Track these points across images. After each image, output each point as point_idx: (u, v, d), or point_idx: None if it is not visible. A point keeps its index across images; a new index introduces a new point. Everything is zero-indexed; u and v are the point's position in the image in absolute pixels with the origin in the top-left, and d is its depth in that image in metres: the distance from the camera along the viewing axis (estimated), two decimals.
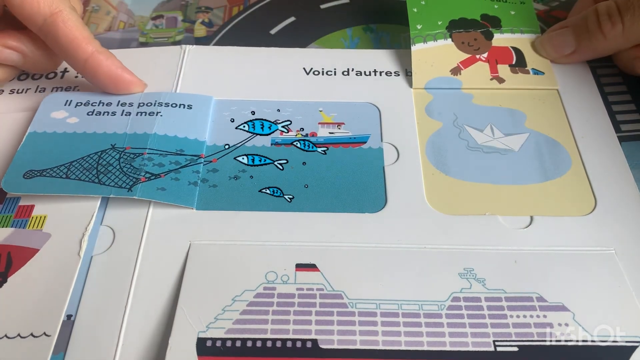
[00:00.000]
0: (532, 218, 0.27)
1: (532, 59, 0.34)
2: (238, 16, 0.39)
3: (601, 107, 0.32)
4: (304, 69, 0.34)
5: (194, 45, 0.35)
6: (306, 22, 0.39)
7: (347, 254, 0.26)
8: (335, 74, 0.34)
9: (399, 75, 0.34)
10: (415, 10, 0.35)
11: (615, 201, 0.28)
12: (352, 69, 0.34)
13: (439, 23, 0.35)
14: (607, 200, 0.28)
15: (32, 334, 0.23)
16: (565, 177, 0.29)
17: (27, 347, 0.23)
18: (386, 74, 0.34)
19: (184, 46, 0.35)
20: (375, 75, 0.34)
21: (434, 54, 0.34)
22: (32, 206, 0.27)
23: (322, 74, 0.34)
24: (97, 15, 0.40)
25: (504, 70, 0.33)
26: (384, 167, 0.29)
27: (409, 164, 0.29)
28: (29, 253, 0.26)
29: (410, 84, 0.33)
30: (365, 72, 0.34)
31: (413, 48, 0.34)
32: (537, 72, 0.33)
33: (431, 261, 0.25)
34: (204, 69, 0.34)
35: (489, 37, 0.35)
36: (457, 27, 0.35)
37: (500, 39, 0.35)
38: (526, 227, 0.27)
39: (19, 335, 0.23)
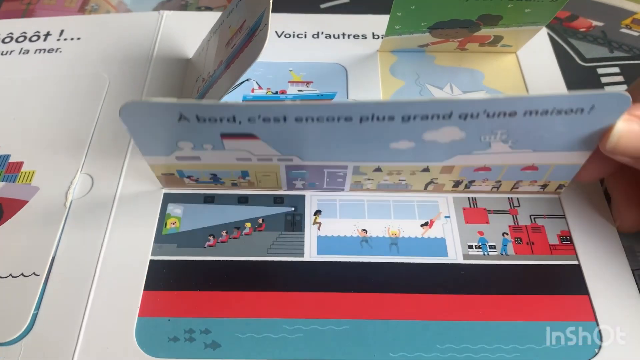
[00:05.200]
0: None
1: (509, 40, 0.33)
2: None
3: (556, 69, 0.34)
4: (276, 32, 0.36)
5: (172, 11, 0.37)
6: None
7: None
8: (305, 37, 0.35)
9: (366, 38, 0.35)
10: (399, 14, 0.30)
11: None
12: (322, 32, 0.36)
13: (422, 24, 0.31)
14: None
15: (22, 274, 0.25)
16: None
17: (19, 285, 0.25)
18: (354, 37, 0.35)
19: (161, 12, 0.37)
20: (343, 38, 0.35)
21: (405, 40, 0.33)
22: (22, 163, 0.29)
23: (293, 37, 0.35)
24: None
25: (472, 46, 0.34)
26: None
27: None
28: (19, 204, 0.27)
29: (376, 46, 0.35)
30: (334, 35, 0.36)
31: (383, 39, 0.33)
32: (505, 45, 0.34)
33: None
34: (180, 34, 0.36)
35: (474, 31, 0.32)
36: (442, 27, 0.31)
37: (488, 31, 0.32)
38: None
39: (10, 275, 0.25)
